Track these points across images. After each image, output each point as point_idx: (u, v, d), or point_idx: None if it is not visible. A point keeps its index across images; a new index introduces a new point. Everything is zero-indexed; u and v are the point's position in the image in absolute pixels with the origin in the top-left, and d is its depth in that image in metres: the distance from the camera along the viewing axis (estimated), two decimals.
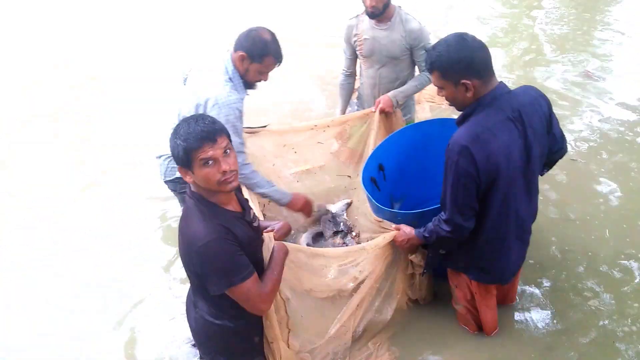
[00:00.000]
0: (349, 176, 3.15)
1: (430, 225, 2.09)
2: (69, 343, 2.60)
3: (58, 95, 4.90)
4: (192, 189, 1.79)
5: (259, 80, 2.49)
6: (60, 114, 4.61)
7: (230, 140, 1.74)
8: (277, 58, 2.43)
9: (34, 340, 2.63)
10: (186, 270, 1.82)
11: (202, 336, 1.98)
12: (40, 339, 2.63)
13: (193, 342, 2.37)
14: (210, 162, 1.66)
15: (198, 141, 1.64)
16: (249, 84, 2.49)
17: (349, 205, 3.08)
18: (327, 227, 2.97)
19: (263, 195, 2.64)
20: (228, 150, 1.70)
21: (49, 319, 2.73)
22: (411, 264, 2.33)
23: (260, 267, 1.90)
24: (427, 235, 2.10)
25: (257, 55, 2.37)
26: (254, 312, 1.82)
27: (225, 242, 1.69)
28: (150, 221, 3.33)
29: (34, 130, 4.41)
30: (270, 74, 2.49)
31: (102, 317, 2.72)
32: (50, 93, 4.94)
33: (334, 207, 3.06)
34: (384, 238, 2.24)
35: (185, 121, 1.70)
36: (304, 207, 2.79)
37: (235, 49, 2.41)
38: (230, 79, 2.42)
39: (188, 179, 1.73)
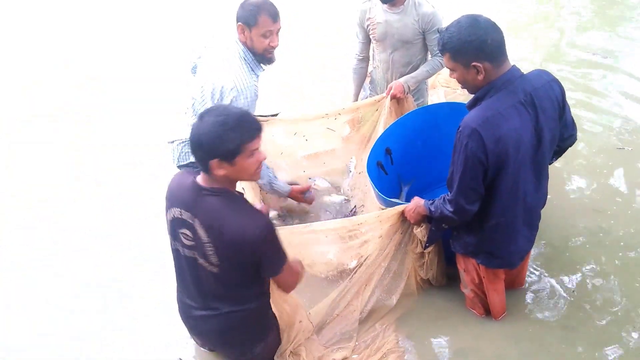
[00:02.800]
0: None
1: (436, 200, 2.14)
2: (69, 343, 2.62)
3: (58, 95, 4.97)
4: (210, 185, 1.82)
5: (268, 47, 2.46)
6: (60, 114, 4.67)
7: None
8: (272, 14, 2.41)
9: (34, 340, 2.65)
10: (226, 267, 1.87)
11: (225, 333, 2.06)
12: (40, 339, 2.65)
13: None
14: (255, 152, 1.78)
15: (254, 131, 1.76)
16: (262, 57, 2.50)
17: (346, 200, 3.14)
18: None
19: (264, 187, 2.78)
20: None
21: (49, 319, 2.76)
22: (420, 243, 2.38)
23: None
24: (432, 209, 2.16)
25: (251, 18, 2.39)
26: (292, 288, 2.01)
27: (272, 223, 1.86)
28: (151, 221, 3.34)
29: (34, 130, 4.48)
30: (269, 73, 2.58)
31: (102, 317, 2.75)
32: (50, 93, 5.01)
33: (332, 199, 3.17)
34: (394, 208, 2.32)
35: (229, 111, 1.76)
36: (299, 194, 2.97)
37: (236, 25, 2.47)
38: (244, 58, 2.47)
39: (221, 172, 1.76)
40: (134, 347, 2.57)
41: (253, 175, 1.85)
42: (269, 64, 2.55)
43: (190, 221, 1.83)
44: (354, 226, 2.33)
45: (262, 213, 1.90)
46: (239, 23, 2.43)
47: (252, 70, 2.49)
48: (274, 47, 2.48)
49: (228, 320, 2.01)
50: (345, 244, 2.38)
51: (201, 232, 1.82)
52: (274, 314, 2.17)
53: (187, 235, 1.87)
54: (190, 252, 1.91)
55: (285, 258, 1.90)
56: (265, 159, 1.86)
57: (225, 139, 1.70)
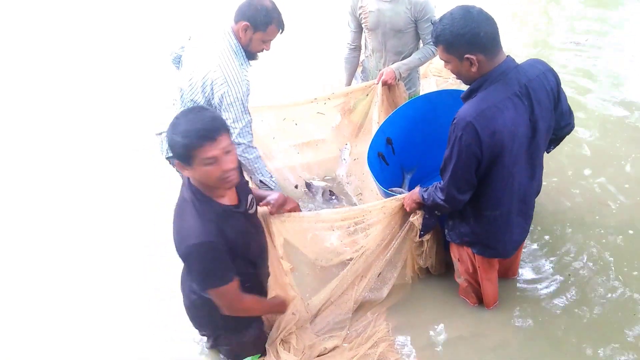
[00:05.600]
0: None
1: (429, 188, 2.17)
2: (70, 343, 2.63)
3: (58, 95, 4.92)
4: (190, 180, 1.82)
5: (262, 50, 2.54)
6: (61, 113, 4.63)
7: (231, 136, 1.76)
8: (280, 26, 2.48)
9: (34, 340, 2.66)
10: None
11: (192, 311, 2.12)
12: (40, 339, 2.66)
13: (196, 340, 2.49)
14: (212, 160, 1.68)
15: (199, 139, 1.65)
16: (251, 55, 2.54)
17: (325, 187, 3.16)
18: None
19: (259, 183, 2.72)
20: (229, 149, 1.72)
21: (49, 319, 2.77)
22: (418, 231, 2.40)
23: (252, 254, 2.00)
24: (425, 196, 2.18)
25: (261, 24, 2.42)
26: (224, 312, 1.92)
27: (215, 247, 1.77)
28: (151, 221, 3.33)
29: (35, 129, 4.43)
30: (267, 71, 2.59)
31: (102, 317, 2.76)
32: (50, 93, 4.96)
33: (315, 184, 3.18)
34: (396, 199, 2.34)
35: (185, 116, 1.71)
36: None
37: (237, 20, 2.46)
38: (235, 52, 2.46)
39: (186, 173, 1.77)
40: (135, 347, 2.59)
41: (219, 183, 1.73)
42: (253, 59, 2.59)
43: None
44: (360, 214, 2.35)
45: (199, 230, 1.74)
46: (245, 22, 2.42)
47: (242, 64, 2.48)
48: (265, 51, 2.55)
49: (186, 300, 2.13)
50: (349, 233, 2.41)
51: None
52: (235, 319, 2.06)
53: None
54: None
55: (212, 283, 1.81)
56: (230, 169, 1.70)
57: (173, 144, 1.67)
